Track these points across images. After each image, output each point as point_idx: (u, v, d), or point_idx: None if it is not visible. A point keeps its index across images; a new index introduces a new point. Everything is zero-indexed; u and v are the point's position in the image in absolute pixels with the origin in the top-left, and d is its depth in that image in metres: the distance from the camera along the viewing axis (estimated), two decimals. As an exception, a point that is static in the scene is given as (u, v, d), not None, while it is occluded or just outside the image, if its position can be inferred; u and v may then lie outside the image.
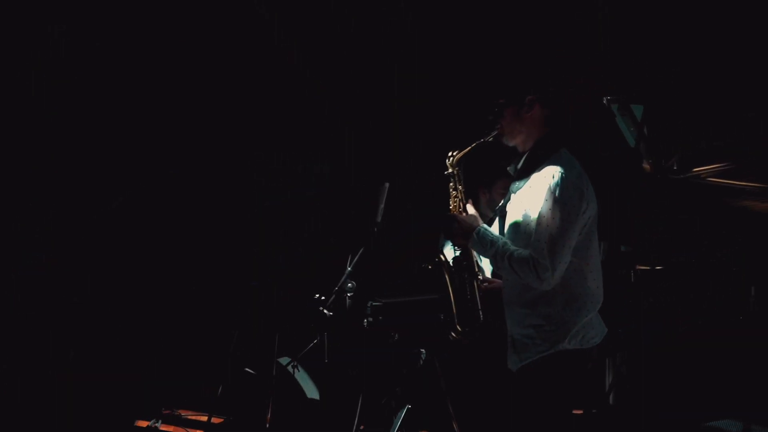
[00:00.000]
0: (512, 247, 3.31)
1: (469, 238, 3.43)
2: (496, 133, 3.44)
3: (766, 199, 4.98)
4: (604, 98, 4.72)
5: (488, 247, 3.38)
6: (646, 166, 4.78)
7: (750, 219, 5.02)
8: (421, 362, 4.67)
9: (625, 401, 4.78)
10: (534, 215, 3.29)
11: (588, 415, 4.58)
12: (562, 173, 3.29)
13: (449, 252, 3.62)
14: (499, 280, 3.54)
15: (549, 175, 3.30)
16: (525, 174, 3.42)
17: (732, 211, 5.08)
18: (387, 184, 4.60)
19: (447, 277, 3.56)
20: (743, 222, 5.04)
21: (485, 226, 3.45)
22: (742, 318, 4.76)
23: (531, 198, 3.33)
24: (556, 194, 3.25)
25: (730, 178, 4.92)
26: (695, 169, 4.80)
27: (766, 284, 4.80)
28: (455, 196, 3.54)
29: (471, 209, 3.50)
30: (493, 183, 4.81)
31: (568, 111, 3.66)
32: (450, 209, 3.56)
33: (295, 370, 4.84)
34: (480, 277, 3.57)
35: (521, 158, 3.46)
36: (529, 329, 3.34)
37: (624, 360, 4.78)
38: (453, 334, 3.54)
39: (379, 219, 4.65)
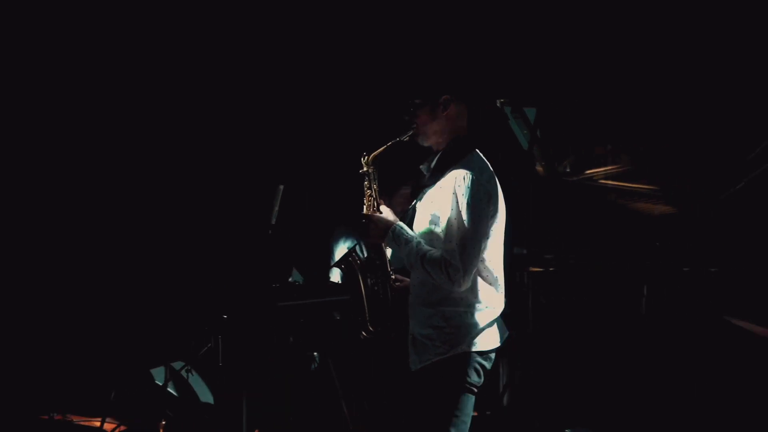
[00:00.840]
0: (426, 247, 3.30)
1: (384, 236, 3.41)
2: (411, 132, 3.43)
3: (659, 201, 5.08)
4: (497, 101, 4.76)
5: (403, 245, 3.36)
6: (539, 168, 4.83)
7: (643, 220, 5.10)
8: (315, 365, 4.65)
9: (518, 402, 4.82)
10: (445, 217, 3.28)
11: (482, 417, 4.61)
12: (472, 175, 3.28)
13: (361, 251, 3.61)
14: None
15: (460, 177, 3.29)
16: (437, 174, 3.42)
17: (626, 212, 5.16)
18: (281, 186, 4.56)
19: (359, 276, 3.54)
20: (637, 223, 5.12)
21: (401, 224, 3.43)
22: (636, 317, 4.84)
23: (442, 199, 3.32)
24: (467, 197, 3.25)
25: (624, 181, 5.00)
26: (588, 171, 4.86)
27: (658, 284, 4.89)
28: (369, 195, 3.51)
29: (385, 208, 3.48)
30: (395, 190, 4.78)
31: (481, 111, 3.66)
32: (364, 208, 3.53)
33: (189, 374, 4.77)
34: (393, 276, 3.56)
35: (435, 157, 3.45)
36: (430, 330, 3.33)
37: (517, 361, 4.81)
38: (364, 333, 3.51)
39: (273, 221, 4.61)
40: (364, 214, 3.50)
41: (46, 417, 4.99)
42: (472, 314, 3.32)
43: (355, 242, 4.53)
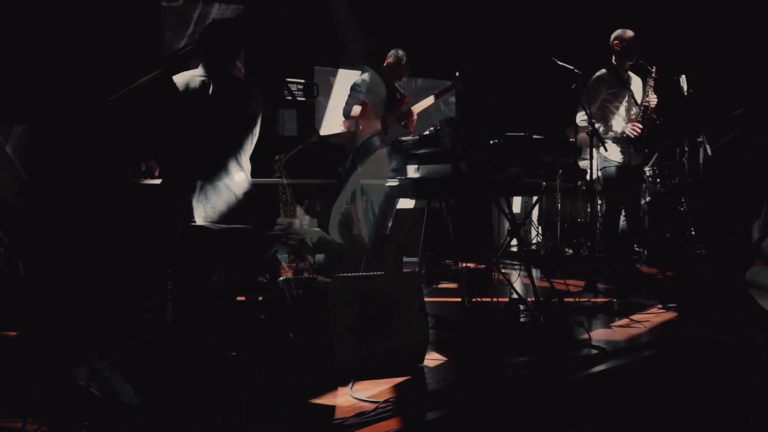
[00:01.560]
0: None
1: (302, 241, 3.44)
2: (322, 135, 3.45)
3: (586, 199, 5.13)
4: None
5: (324, 249, 3.39)
6: (462, 166, 4.84)
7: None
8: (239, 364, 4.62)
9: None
10: (357, 217, 3.31)
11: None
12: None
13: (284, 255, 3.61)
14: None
15: None
16: (350, 174, 3.43)
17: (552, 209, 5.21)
18: (199, 182, 4.53)
19: (284, 278, 3.56)
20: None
21: (318, 229, 3.45)
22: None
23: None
24: None
25: (547, 179, 5.05)
26: (512, 169, 4.89)
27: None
28: (285, 201, 3.53)
29: (300, 211, 3.49)
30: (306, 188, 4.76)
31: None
32: (281, 214, 3.54)
33: (112, 374, 4.71)
34: (318, 279, 3.58)
35: (349, 158, 3.47)
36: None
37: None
38: (292, 335, 3.53)
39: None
40: (281, 220, 3.52)
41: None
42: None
43: (277, 246, 4.54)
